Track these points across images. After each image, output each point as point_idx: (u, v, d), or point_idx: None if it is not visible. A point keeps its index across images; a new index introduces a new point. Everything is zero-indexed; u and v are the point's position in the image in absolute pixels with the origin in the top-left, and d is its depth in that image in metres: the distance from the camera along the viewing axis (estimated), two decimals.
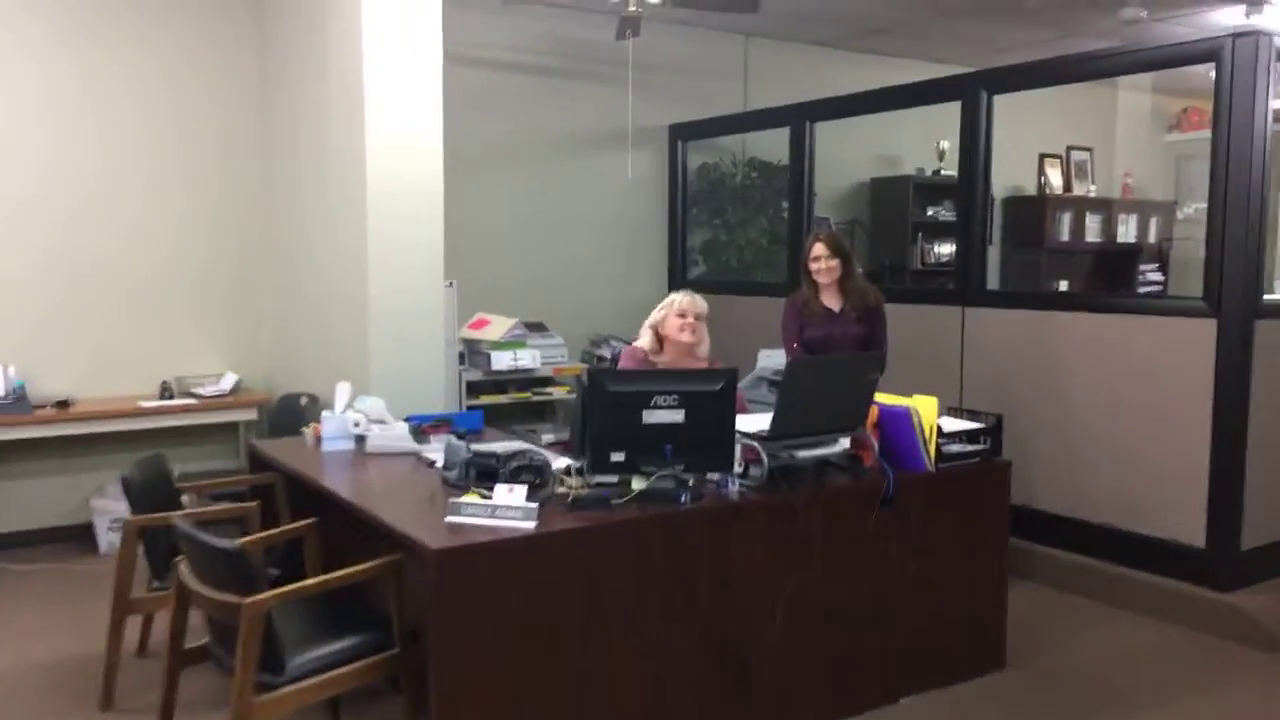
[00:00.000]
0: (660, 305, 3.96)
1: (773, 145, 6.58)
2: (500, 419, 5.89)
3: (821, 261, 4.24)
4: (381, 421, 3.83)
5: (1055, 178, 8.42)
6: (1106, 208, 8.27)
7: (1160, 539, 4.21)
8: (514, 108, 6.23)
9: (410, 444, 3.62)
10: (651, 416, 2.91)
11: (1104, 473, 4.41)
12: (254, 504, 3.42)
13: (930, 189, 7.56)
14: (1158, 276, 8.44)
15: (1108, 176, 8.73)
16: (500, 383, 5.69)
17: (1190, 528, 4.11)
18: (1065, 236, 8.03)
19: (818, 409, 3.19)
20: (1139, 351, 4.28)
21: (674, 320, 3.88)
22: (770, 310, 5.68)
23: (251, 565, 2.53)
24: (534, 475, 2.95)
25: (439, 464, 3.34)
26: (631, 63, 6.22)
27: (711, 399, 2.95)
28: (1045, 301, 4.98)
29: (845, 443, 3.30)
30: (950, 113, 5.03)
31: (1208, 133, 8.81)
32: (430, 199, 4.33)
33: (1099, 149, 8.68)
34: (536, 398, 5.75)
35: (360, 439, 3.69)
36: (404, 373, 4.28)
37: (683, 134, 6.72)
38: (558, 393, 5.83)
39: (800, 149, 5.88)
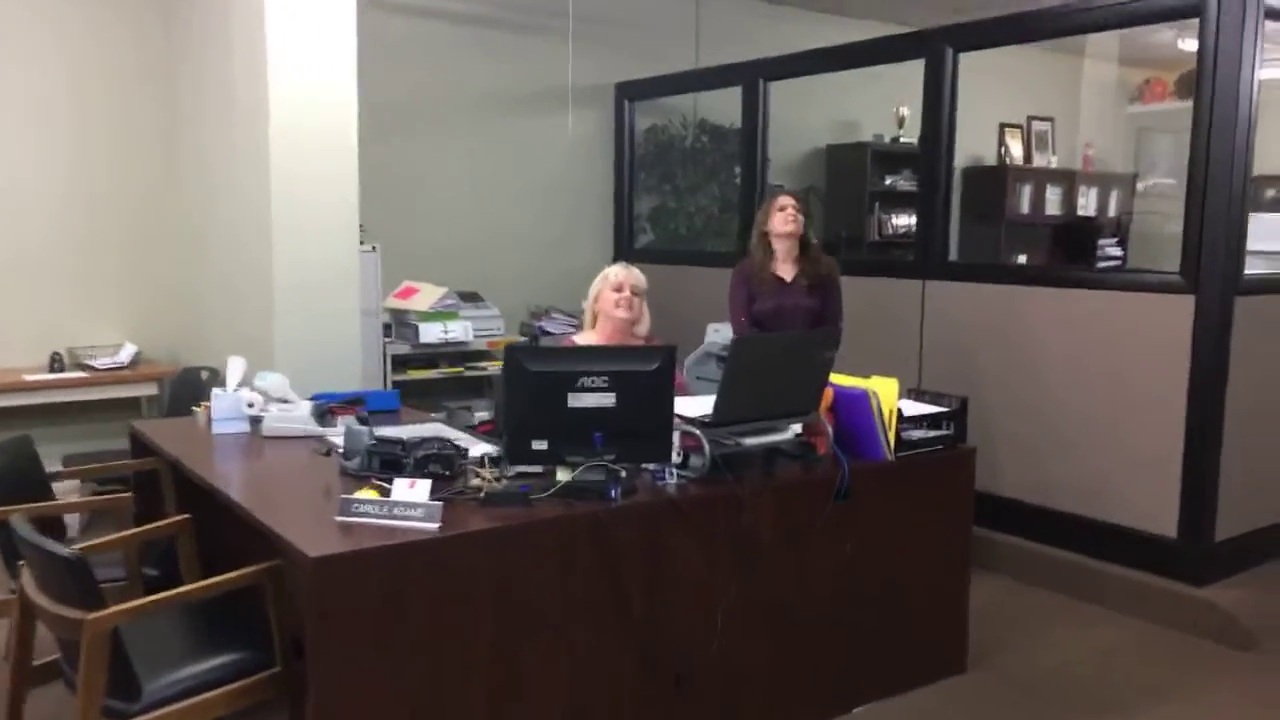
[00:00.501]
0: (596, 282, 3.61)
1: (725, 107, 6.22)
2: (431, 394, 5.51)
3: (789, 211, 3.97)
4: (284, 400, 3.43)
5: (1016, 148, 8.18)
6: (1068, 180, 8.05)
7: (1130, 528, 3.96)
8: (447, 59, 5.79)
9: (312, 427, 3.22)
10: (578, 400, 2.55)
11: (1071, 457, 4.14)
12: (127, 495, 3.01)
13: (889, 157, 7.27)
14: (1116, 251, 8.26)
15: (1068, 148, 8.50)
16: (430, 356, 5.29)
17: (1161, 517, 3.86)
18: (1025, 209, 7.81)
19: (767, 391, 2.85)
20: (1111, 329, 4.00)
21: (609, 294, 3.52)
22: (721, 281, 5.38)
23: (94, 576, 2.13)
24: (443, 466, 2.59)
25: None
26: (572, 14, 5.80)
27: (646, 380, 2.60)
28: (1012, 275, 4.65)
29: (796, 429, 2.97)
30: (912, 76, 4.71)
31: (1170, 104, 8.71)
32: (342, 154, 3.90)
33: (1059, 119, 8.46)
34: (469, 373, 5.37)
35: (257, 420, 3.29)
36: (313, 345, 3.87)
37: (630, 93, 6.33)
38: (493, 368, 5.45)
39: (754, 110, 5.52)
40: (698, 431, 2.75)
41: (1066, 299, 4.15)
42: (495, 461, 2.67)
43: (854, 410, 3.02)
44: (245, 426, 3.27)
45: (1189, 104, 8.75)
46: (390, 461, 2.68)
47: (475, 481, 2.60)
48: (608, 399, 2.57)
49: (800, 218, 4.03)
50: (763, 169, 5.55)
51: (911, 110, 7.30)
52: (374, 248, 4.92)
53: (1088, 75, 8.44)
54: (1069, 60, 8.14)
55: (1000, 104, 7.76)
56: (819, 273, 4.01)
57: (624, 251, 6.38)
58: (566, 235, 6.28)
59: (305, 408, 3.36)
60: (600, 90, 6.32)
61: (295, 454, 3.04)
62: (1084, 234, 7.97)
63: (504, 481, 2.63)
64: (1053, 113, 8.40)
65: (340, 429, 3.27)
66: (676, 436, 2.73)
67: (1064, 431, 4.16)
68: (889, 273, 4.93)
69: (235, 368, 3.33)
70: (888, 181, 7.30)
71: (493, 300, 5.68)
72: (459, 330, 5.16)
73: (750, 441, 2.84)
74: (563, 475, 2.58)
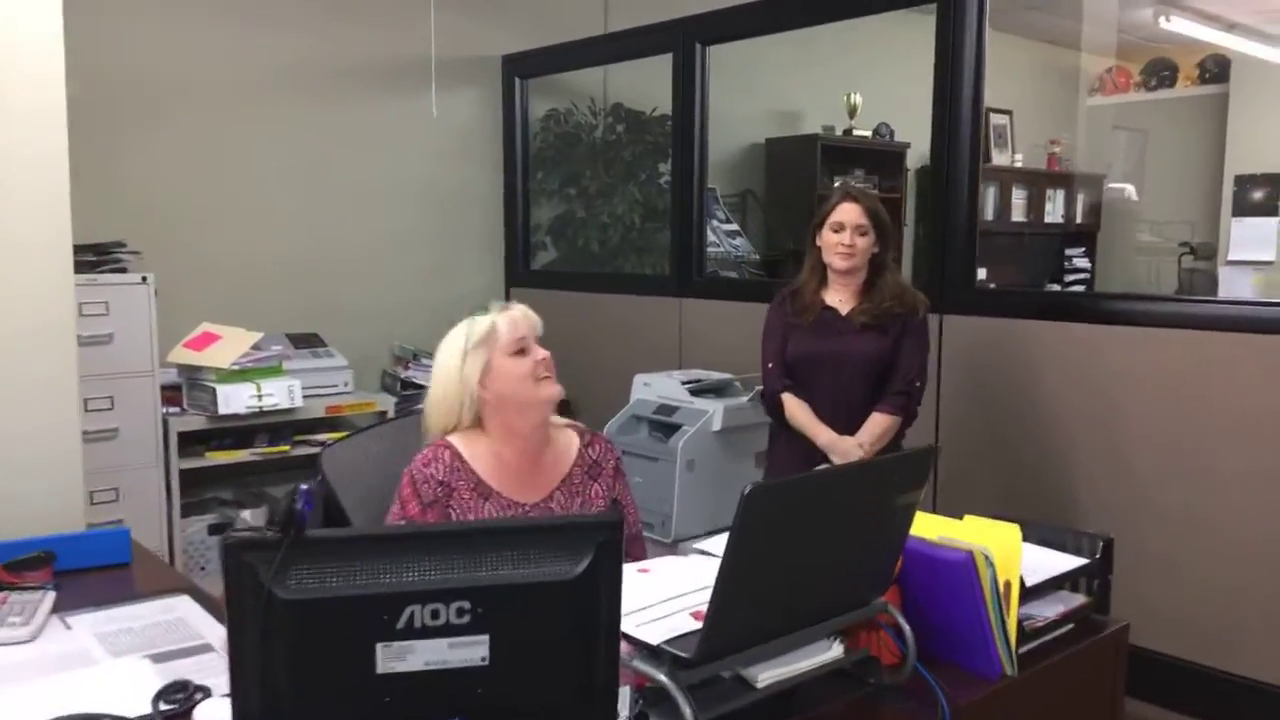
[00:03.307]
0: (455, 337, 1.97)
1: (647, 87, 4.83)
2: (247, 478, 3.98)
3: (847, 234, 2.73)
4: None
5: None
6: (1035, 181, 7.03)
7: None
8: (258, 17, 4.23)
9: None
10: (399, 658, 1.11)
11: (1194, 585, 2.82)
12: None
13: (839, 153, 6.02)
14: (1084, 263, 7.35)
15: (1026, 144, 7.47)
16: (242, 431, 3.73)
17: None
18: (990, 215, 6.72)
19: (796, 579, 1.44)
20: (1260, 389, 2.70)
21: (511, 367, 1.92)
22: (648, 313, 4.05)
23: None
24: None
25: None
26: None
27: (562, 595, 1.17)
28: (1082, 308, 3.13)
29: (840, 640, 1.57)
30: (860, 56, 3.41)
31: (1135, 96, 7.80)
32: (43, 129, 2.34)
33: (1015, 112, 7.41)
34: (299, 450, 3.81)
35: None
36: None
37: (521, 68, 4.87)
38: (335, 440, 3.91)
39: (689, 84, 4.12)
40: (666, 680, 1.32)
41: (1165, 343, 2.85)
42: None
43: (945, 587, 1.63)
44: None
45: (1156, 96, 7.79)
46: None
47: None
48: (473, 647, 1.14)
49: (868, 239, 2.74)
50: (702, 163, 4.15)
51: (865, 97, 6.10)
52: (145, 279, 3.37)
53: (1038, 63, 7.42)
54: (1017, 42, 7.07)
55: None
56: (889, 307, 2.75)
57: (518, 273, 4.93)
58: (441, 255, 4.78)
59: None
60: (482, 63, 4.85)
61: None
62: (1054, 244, 7.11)
63: None
64: (1005, 104, 7.34)
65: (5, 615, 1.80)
66: (625, 693, 1.30)
67: (1178, 547, 2.84)
68: None
69: None
70: (838, 182, 6.04)
71: (340, 344, 4.17)
72: (278, 393, 3.60)
73: (767, 678, 1.43)
74: None
